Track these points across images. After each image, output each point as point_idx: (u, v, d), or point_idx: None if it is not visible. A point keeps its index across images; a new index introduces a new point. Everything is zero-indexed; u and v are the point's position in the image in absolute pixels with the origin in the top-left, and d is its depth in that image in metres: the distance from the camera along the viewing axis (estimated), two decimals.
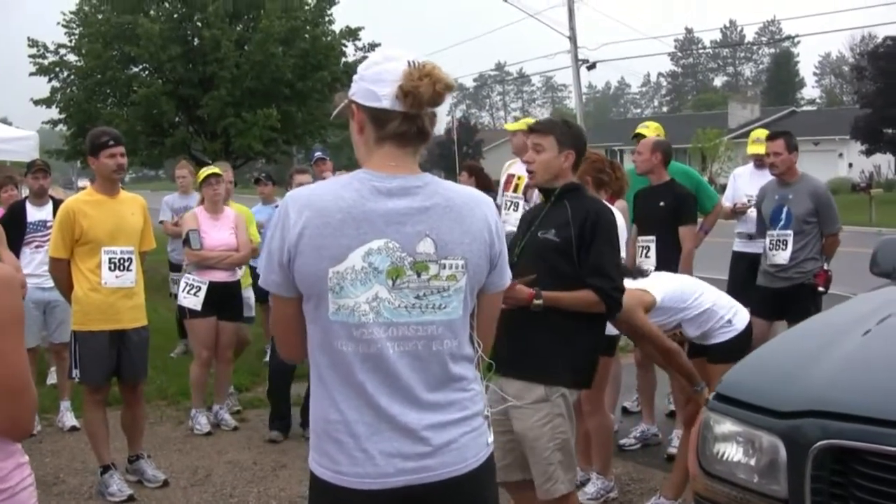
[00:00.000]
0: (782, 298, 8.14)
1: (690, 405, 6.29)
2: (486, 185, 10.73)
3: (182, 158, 16.54)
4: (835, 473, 3.55)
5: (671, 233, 7.84)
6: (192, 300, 8.60)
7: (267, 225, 8.84)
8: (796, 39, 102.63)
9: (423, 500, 2.90)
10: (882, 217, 34.01)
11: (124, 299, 6.89)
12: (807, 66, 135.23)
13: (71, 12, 24.86)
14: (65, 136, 25.54)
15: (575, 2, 35.61)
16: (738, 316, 6.34)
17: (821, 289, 8.04)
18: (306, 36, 24.54)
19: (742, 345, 6.20)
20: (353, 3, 28.33)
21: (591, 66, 37.23)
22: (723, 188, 11.20)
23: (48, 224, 8.58)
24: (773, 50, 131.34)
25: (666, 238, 7.84)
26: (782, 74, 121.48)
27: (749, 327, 6.41)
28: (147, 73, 24.61)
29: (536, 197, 8.33)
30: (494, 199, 8.58)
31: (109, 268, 6.80)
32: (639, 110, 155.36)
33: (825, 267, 8.13)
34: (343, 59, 25.62)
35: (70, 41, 24.65)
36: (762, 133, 9.47)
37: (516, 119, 12.38)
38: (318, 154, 11.45)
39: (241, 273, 9.28)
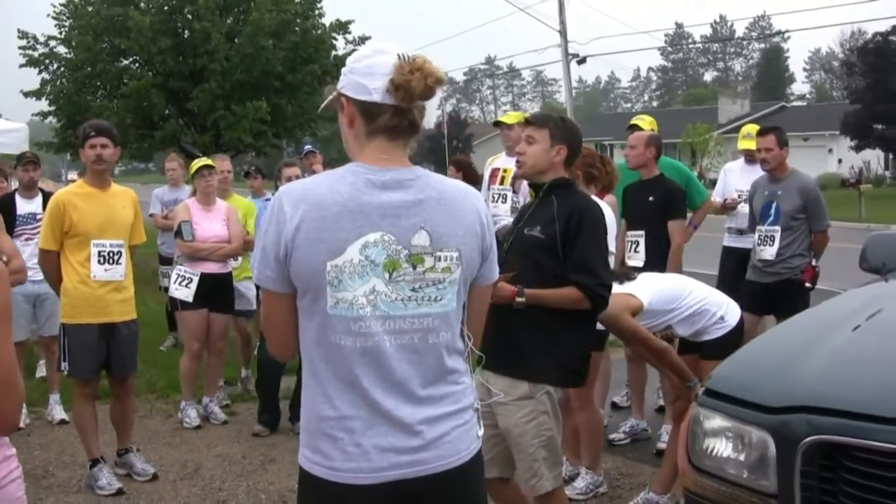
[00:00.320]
0: (770, 294, 8.16)
1: (680, 401, 6.30)
2: (474, 179, 10.74)
3: (172, 151, 16.53)
4: (824, 469, 3.55)
5: (661, 228, 7.84)
6: (183, 291, 8.59)
7: (261, 217, 8.83)
8: (786, 35, 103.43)
9: (415, 493, 2.91)
10: (871, 213, 34.08)
11: (113, 292, 6.87)
12: (797, 62, 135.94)
13: (61, 4, 24.73)
14: (55, 129, 25.42)
15: None
16: (729, 312, 6.35)
17: (808, 285, 8.06)
18: (296, 29, 24.46)
19: (735, 340, 6.20)
20: None
21: (582, 61, 37.20)
22: (712, 183, 11.25)
23: (38, 217, 8.56)
24: (762, 45, 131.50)
25: (655, 233, 7.84)
26: (772, 70, 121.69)
27: (741, 322, 6.41)
28: (137, 65, 24.51)
29: (525, 188, 8.37)
30: None
31: (98, 261, 6.78)
32: (629, 105, 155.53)
33: (813, 263, 8.14)
34: (333, 53, 25.55)
35: (60, 33, 24.54)
36: (753, 128, 9.47)
37: (505, 112, 12.34)
38: (307, 147, 11.43)
39: (238, 264, 9.28)
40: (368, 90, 2.88)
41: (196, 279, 8.58)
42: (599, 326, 5.83)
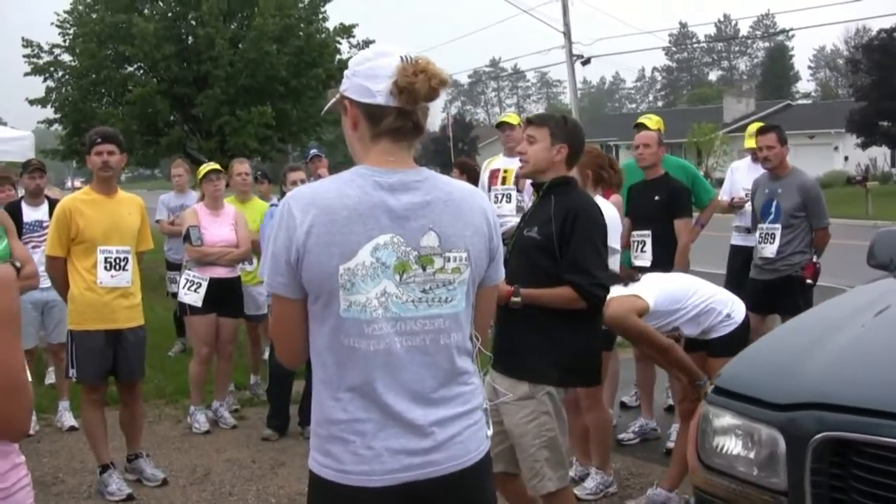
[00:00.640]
0: (772, 291, 8.18)
1: (687, 400, 6.28)
2: (477, 181, 10.78)
3: (178, 157, 16.54)
4: (834, 465, 3.55)
5: (667, 227, 7.83)
6: (192, 296, 8.60)
7: (265, 224, 8.84)
8: (791, 33, 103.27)
9: (427, 494, 2.91)
10: (878, 210, 34.04)
11: (120, 299, 6.88)
12: (801, 60, 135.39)
13: (65, 12, 24.82)
14: (60, 136, 25.50)
15: None
16: (735, 310, 6.33)
17: (809, 281, 8.08)
18: (300, 33, 24.51)
19: (742, 337, 6.20)
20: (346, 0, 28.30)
21: (586, 62, 37.17)
22: (718, 182, 11.23)
23: (44, 224, 8.57)
24: (767, 44, 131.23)
25: (661, 232, 7.83)
26: (777, 68, 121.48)
27: (747, 319, 6.40)
28: (142, 72, 24.58)
29: (529, 187, 8.41)
30: None
31: (105, 267, 6.79)
32: (634, 105, 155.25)
33: (814, 260, 8.15)
34: (337, 57, 25.59)
35: (64, 41, 24.63)
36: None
37: (507, 113, 12.42)
38: (313, 151, 11.45)
39: (252, 268, 9.29)
40: (372, 93, 2.88)
41: (205, 284, 8.58)
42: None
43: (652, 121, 8.95)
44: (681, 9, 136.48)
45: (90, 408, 7.01)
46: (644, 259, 7.85)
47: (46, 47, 24.49)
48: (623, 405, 9.05)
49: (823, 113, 66.67)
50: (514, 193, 9.41)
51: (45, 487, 7.10)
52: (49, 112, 24.70)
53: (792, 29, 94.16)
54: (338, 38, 25.93)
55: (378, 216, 2.83)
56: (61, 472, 7.58)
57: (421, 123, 2.96)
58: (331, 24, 26.17)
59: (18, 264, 6.00)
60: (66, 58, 24.67)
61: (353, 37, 26.10)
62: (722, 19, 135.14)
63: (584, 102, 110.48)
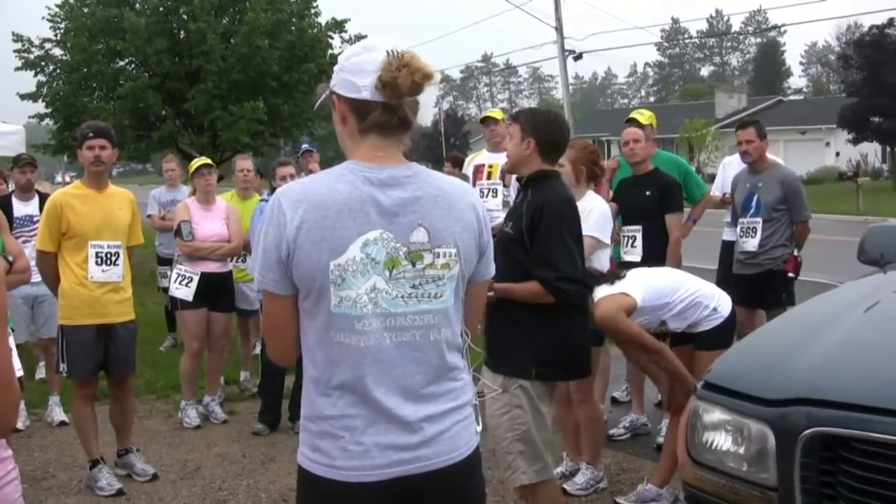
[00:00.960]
0: (755, 285, 8.25)
1: (674, 400, 6.26)
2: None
3: (169, 152, 16.52)
4: (824, 461, 3.55)
5: (658, 222, 7.84)
6: (183, 291, 8.60)
7: (254, 219, 8.83)
8: (783, 29, 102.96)
9: (416, 489, 2.91)
10: (869, 206, 34.08)
11: (111, 293, 6.87)
12: (793, 56, 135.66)
13: (56, 6, 24.74)
14: (51, 131, 25.43)
15: None
16: (721, 303, 6.34)
17: (790, 275, 8.18)
18: (292, 28, 24.49)
19: (729, 330, 6.26)
20: None
21: (578, 57, 37.25)
22: (710, 178, 11.24)
23: (35, 219, 8.56)
24: (759, 39, 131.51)
25: (652, 227, 7.84)
26: (769, 64, 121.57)
27: (734, 312, 6.43)
28: (133, 66, 24.50)
29: (515, 181, 8.48)
30: None
31: (96, 262, 6.78)
32: (626, 100, 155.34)
33: (795, 253, 8.21)
34: (329, 52, 25.56)
35: (55, 35, 24.55)
36: None
37: (503, 109, 12.46)
38: (304, 146, 11.45)
39: (245, 265, 9.28)
40: (358, 88, 2.88)
41: (196, 278, 8.58)
42: None
43: (644, 116, 8.96)
44: (673, 4, 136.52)
45: (81, 403, 7.00)
46: (634, 254, 7.86)
47: (37, 42, 24.42)
48: (614, 400, 9.06)
49: (815, 109, 66.73)
50: (500, 188, 9.47)
51: (35, 482, 7.10)
52: (40, 107, 24.65)
53: (784, 25, 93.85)
54: (330, 34, 25.89)
55: (368, 212, 2.83)
56: (51, 467, 7.58)
57: (408, 118, 2.95)
58: (323, 19, 26.17)
59: (11, 258, 6.00)
60: (58, 52, 24.60)
61: (345, 32, 26.05)
62: (714, 15, 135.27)
63: (576, 98, 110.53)
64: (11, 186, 9.76)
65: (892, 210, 29.87)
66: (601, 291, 5.99)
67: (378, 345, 2.85)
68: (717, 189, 10.03)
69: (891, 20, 48.75)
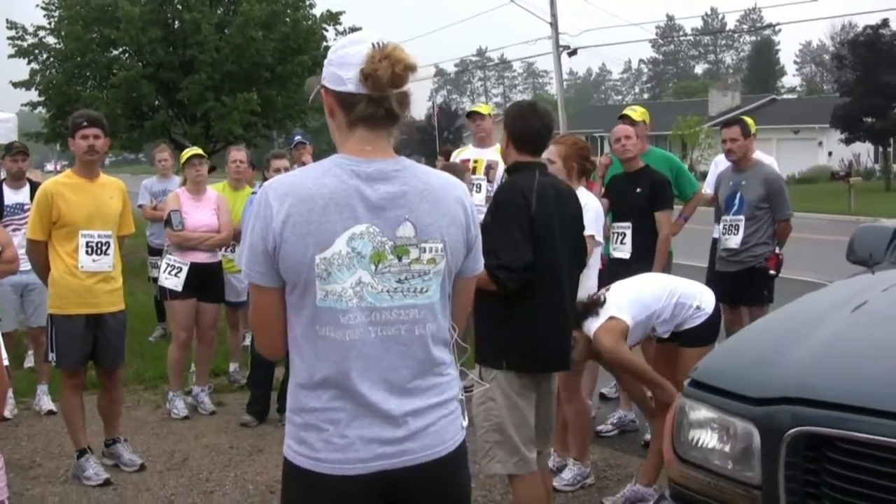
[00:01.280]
0: (737, 282, 8.30)
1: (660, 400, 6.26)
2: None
3: (162, 142, 16.49)
4: (808, 460, 3.56)
5: (648, 219, 7.84)
6: (173, 281, 8.59)
7: (245, 210, 8.82)
8: (777, 27, 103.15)
9: (401, 483, 2.92)
10: (861, 205, 34.19)
11: (101, 283, 6.86)
12: (787, 55, 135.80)
13: None
14: (44, 119, 25.34)
15: None
16: (705, 300, 6.36)
17: (772, 272, 8.26)
18: (287, 20, 24.40)
19: (713, 327, 6.31)
20: None
21: (573, 53, 37.28)
22: (703, 175, 11.26)
23: (25, 207, 8.55)
24: (753, 38, 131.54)
25: (642, 224, 7.84)
26: (763, 62, 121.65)
27: (718, 308, 6.46)
28: (127, 56, 24.40)
29: (499, 177, 8.63)
30: None
31: (87, 251, 6.76)
32: (620, 97, 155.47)
33: (777, 251, 8.26)
34: (324, 44, 25.47)
35: (49, 23, 24.45)
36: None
37: (497, 105, 12.50)
38: (297, 138, 11.46)
39: (233, 255, 9.28)
40: (343, 80, 2.89)
41: (186, 268, 8.57)
42: None
43: (637, 112, 8.96)
44: (668, 1, 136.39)
45: (69, 392, 6.99)
46: (623, 251, 7.88)
47: (31, 29, 24.33)
48: (602, 397, 9.08)
49: (808, 108, 66.89)
50: (483, 184, 9.49)
51: (22, 471, 7.08)
52: (33, 95, 24.52)
53: (778, 23, 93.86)
54: (324, 25, 25.82)
55: (354, 206, 2.84)
56: (39, 456, 7.57)
57: (395, 111, 2.93)
58: (317, 11, 26.09)
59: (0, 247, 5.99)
60: (51, 40, 24.48)
61: (340, 24, 25.99)
62: (709, 13, 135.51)
63: (570, 93, 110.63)
64: (2, 174, 9.74)
65: (884, 210, 29.93)
66: (591, 323, 6.01)
67: (363, 339, 2.85)
68: (710, 187, 10.02)
69: (885, 20, 48.92)
